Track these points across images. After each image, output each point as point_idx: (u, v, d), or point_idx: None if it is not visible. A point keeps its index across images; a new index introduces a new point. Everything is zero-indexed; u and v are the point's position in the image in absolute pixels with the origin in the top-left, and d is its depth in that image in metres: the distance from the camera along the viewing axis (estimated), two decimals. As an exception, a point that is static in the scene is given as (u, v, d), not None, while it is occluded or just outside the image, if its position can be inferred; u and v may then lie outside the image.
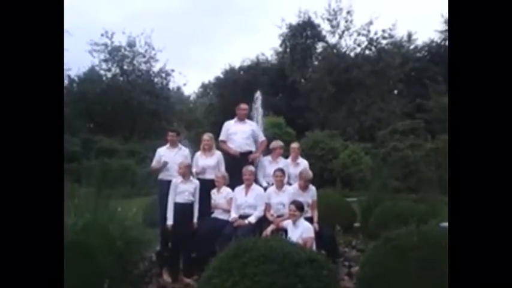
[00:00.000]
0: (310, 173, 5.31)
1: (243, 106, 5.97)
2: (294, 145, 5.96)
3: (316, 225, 4.91)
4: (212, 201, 5.31)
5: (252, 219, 4.99)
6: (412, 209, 6.51)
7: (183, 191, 5.10)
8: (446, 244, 3.81)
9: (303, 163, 5.77)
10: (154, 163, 5.59)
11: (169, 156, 5.48)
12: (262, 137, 6.07)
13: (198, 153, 5.68)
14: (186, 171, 5.13)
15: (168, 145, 5.62)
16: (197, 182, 5.27)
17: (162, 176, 5.51)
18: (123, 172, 16.71)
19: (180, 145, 5.66)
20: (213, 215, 5.33)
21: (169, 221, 5.06)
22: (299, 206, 4.46)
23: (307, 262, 2.93)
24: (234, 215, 5.11)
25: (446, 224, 5.27)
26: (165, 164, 5.44)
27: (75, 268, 3.69)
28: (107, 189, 7.74)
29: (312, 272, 2.86)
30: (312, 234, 4.40)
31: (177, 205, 5.08)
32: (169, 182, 5.23)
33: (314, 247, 4.44)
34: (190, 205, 5.13)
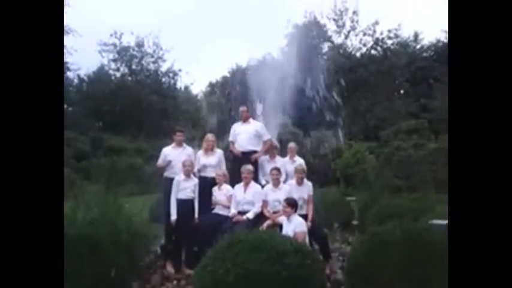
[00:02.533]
0: (305, 167, 5.61)
1: (242, 108, 6.28)
2: (291, 145, 6.26)
3: (309, 223, 5.19)
4: (213, 198, 5.62)
5: (250, 215, 5.29)
6: (407, 207, 6.77)
7: (185, 188, 5.43)
8: (428, 239, 4.13)
9: (299, 161, 6.06)
10: (159, 161, 5.91)
11: (174, 155, 5.79)
12: (266, 136, 6.32)
13: (200, 152, 5.99)
14: (189, 170, 5.45)
15: (173, 144, 5.93)
16: (196, 179, 5.60)
17: (167, 173, 5.83)
18: (131, 170, 17.13)
19: (184, 144, 5.97)
20: (214, 211, 5.64)
21: (173, 216, 5.38)
22: (291, 203, 4.75)
23: (293, 252, 3.23)
24: (233, 210, 5.42)
25: (436, 221, 5.56)
26: (169, 162, 5.77)
27: (85, 259, 4.04)
28: (114, 186, 8.10)
29: (297, 261, 3.16)
30: (304, 228, 4.69)
31: (179, 201, 5.41)
32: (173, 179, 5.55)
33: (307, 240, 4.74)
34: (191, 201, 5.46)
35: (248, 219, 5.26)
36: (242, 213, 5.39)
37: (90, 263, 4.04)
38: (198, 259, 4.68)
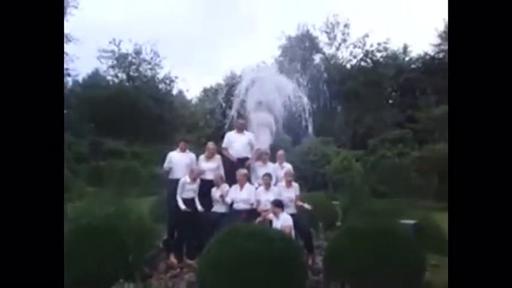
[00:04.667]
0: (292, 172, 6.51)
1: (239, 123, 7.15)
2: (280, 152, 7.13)
3: (298, 202, 6.15)
4: (212, 196, 6.41)
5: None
6: (382, 210, 7.66)
7: (189, 189, 6.25)
8: (395, 234, 4.93)
9: (287, 166, 6.91)
10: (165, 165, 6.70)
11: (178, 159, 6.60)
12: (256, 146, 7.20)
13: (202, 157, 6.80)
14: (196, 176, 6.28)
15: (178, 150, 6.74)
16: (198, 181, 6.40)
17: (171, 176, 6.62)
18: (128, 173, 17.81)
19: (187, 150, 6.79)
20: (213, 209, 6.43)
21: (183, 206, 6.11)
22: (278, 204, 5.63)
23: (280, 239, 4.07)
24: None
25: (404, 221, 6.45)
26: (173, 166, 6.58)
27: (104, 246, 4.82)
28: (113, 188, 8.87)
29: (282, 245, 3.99)
30: (290, 223, 5.52)
31: (183, 200, 6.21)
32: (177, 180, 6.33)
33: (293, 234, 5.56)
34: (192, 200, 6.27)
35: (243, 216, 6.05)
36: (238, 212, 6.16)
37: (109, 248, 4.84)
38: (198, 251, 5.47)
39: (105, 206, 5.99)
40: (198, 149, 7.08)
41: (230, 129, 7.61)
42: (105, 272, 4.46)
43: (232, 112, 8.99)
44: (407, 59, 31.33)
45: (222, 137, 7.28)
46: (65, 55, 23.65)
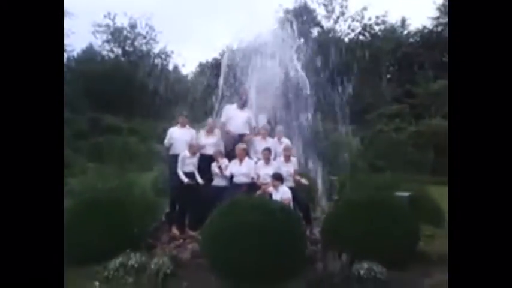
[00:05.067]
0: (291, 147, 6.63)
1: (244, 96, 7.16)
2: (278, 128, 7.23)
3: (296, 177, 6.31)
4: (212, 170, 6.54)
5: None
6: (378, 183, 7.85)
7: (189, 163, 6.37)
8: (389, 204, 5.09)
9: (286, 141, 7.02)
10: (166, 141, 6.79)
11: (179, 134, 6.69)
12: (254, 123, 7.29)
13: (201, 132, 6.89)
14: (196, 151, 6.39)
15: (178, 125, 6.82)
16: (198, 155, 6.52)
17: (172, 151, 6.73)
18: (128, 149, 17.94)
19: (187, 126, 6.87)
20: (213, 183, 6.58)
21: (186, 179, 6.25)
22: (278, 177, 5.77)
23: (280, 210, 4.23)
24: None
25: (399, 193, 6.63)
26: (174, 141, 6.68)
27: (111, 217, 4.98)
28: (114, 163, 9.01)
29: (282, 216, 4.15)
30: (289, 195, 5.69)
31: (184, 174, 6.34)
32: (178, 155, 6.44)
33: (291, 206, 5.73)
34: (193, 174, 6.40)
35: (243, 189, 6.20)
36: (238, 185, 6.30)
37: (114, 220, 5.01)
38: (200, 223, 5.64)
39: (107, 181, 6.11)
40: (196, 123, 7.16)
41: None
42: (112, 242, 4.62)
43: (229, 87, 9.01)
44: (405, 32, 31.04)
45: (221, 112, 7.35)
46: (59, 30, 23.19)
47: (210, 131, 6.81)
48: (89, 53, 29.12)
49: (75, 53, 28.30)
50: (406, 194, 6.64)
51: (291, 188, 6.08)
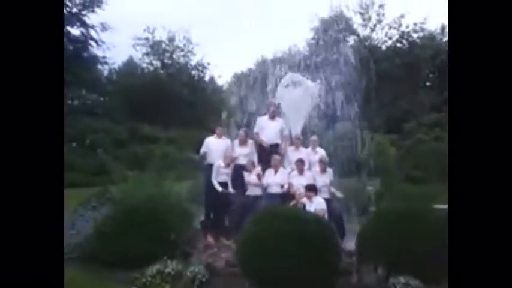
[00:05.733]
0: (327, 158, 6.57)
1: (272, 107, 7.22)
2: (313, 138, 7.21)
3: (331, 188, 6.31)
4: (246, 179, 6.62)
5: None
6: (415, 195, 7.62)
7: (223, 173, 6.52)
8: (426, 217, 4.93)
9: (320, 152, 6.99)
10: (202, 150, 6.97)
11: (215, 145, 6.87)
12: (287, 132, 7.30)
13: (236, 143, 7.01)
14: (230, 161, 6.53)
15: (215, 136, 7.01)
16: (232, 166, 6.64)
17: (207, 160, 6.89)
18: (166, 157, 18.41)
19: (223, 136, 7.03)
20: (246, 193, 6.65)
21: (220, 188, 6.42)
22: (311, 188, 5.76)
23: (314, 221, 4.22)
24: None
25: (438, 206, 6.39)
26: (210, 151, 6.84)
27: (147, 225, 5.15)
28: (152, 172, 9.28)
29: (317, 227, 4.14)
30: (323, 206, 5.66)
31: (218, 183, 6.47)
32: (212, 165, 6.59)
33: (326, 217, 5.69)
34: (226, 183, 6.52)
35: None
36: (273, 196, 6.33)
37: (152, 228, 5.18)
38: (234, 231, 5.72)
39: (146, 189, 6.34)
40: (231, 134, 7.30)
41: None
42: (150, 249, 4.78)
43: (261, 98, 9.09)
44: (445, 39, 30.02)
45: (254, 123, 7.44)
46: (101, 44, 24.55)
47: (243, 142, 6.92)
48: (130, 66, 30.31)
49: (116, 66, 29.61)
50: (444, 206, 6.41)
51: (325, 199, 6.05)
